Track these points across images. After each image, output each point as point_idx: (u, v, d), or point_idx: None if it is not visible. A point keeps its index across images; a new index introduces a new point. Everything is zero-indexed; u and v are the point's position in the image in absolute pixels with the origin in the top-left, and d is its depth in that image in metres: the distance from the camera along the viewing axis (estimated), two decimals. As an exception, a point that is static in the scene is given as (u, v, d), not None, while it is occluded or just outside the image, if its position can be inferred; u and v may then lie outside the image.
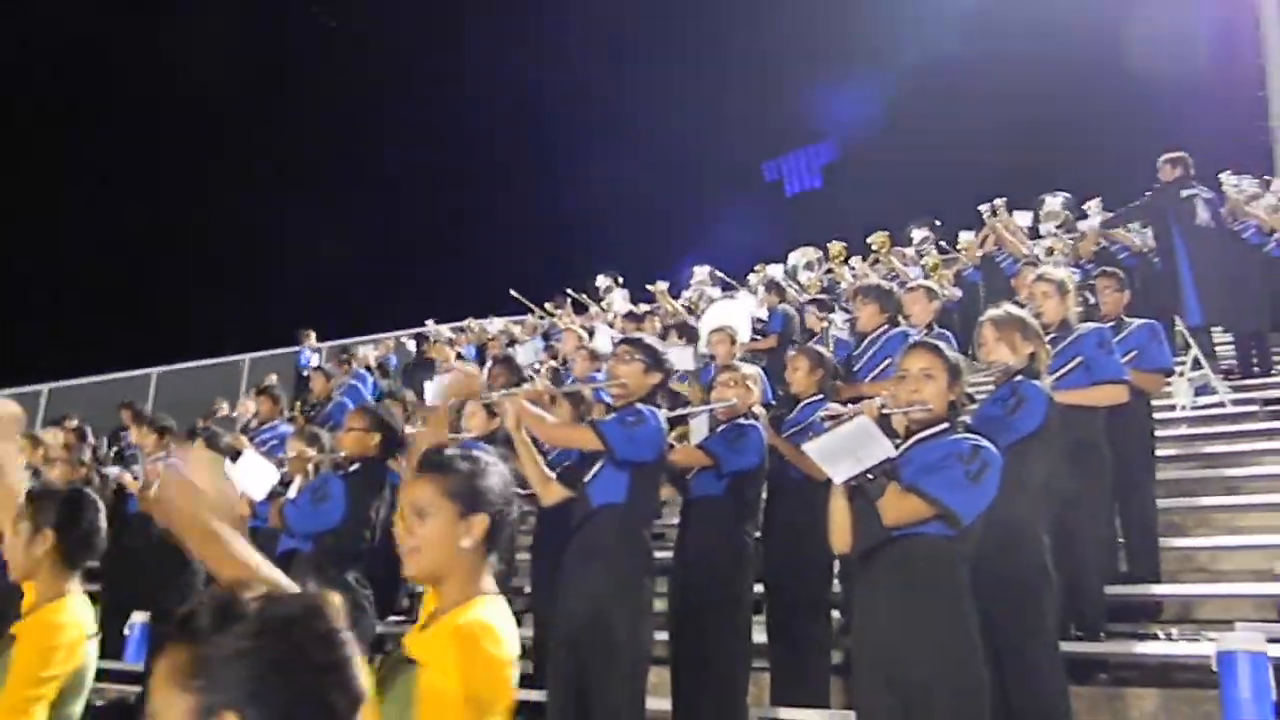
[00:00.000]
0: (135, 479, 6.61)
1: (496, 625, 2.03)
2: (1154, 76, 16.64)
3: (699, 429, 5.29)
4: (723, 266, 13.42)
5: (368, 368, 12.51)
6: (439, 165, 25.61)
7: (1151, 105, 18.15)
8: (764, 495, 5.33)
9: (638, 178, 22.39)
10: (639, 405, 4.38)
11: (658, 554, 6.04)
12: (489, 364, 10.19)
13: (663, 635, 5.02)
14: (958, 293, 10.39)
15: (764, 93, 23.30)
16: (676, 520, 5.28)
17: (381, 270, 24.28)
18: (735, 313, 9.62)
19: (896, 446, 3.45)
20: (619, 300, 13.70)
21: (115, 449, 9.75)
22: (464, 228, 25.71)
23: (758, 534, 5.11)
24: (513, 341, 12.70)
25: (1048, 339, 4.58)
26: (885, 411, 3.54)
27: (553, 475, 4.57)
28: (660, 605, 5.15)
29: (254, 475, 5.43)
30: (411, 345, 14.70)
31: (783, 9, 24.23)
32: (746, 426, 5.04)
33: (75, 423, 8.81)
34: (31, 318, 22.11)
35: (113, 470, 6.91)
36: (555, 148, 25.08)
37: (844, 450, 3.36)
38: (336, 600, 1.21)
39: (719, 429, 5.14)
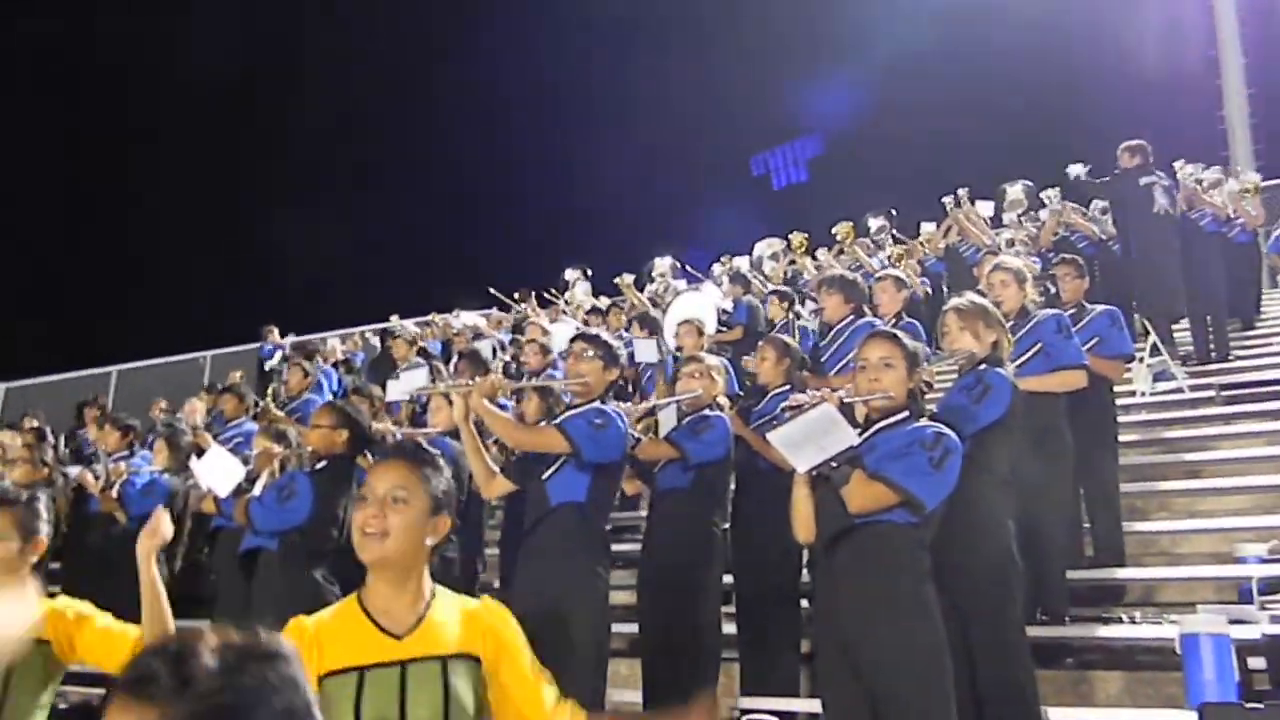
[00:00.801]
0: (96, 479, 6.53)
1: None
2: (1121, 69, 16.89)
3: (667, 421, 5.30)
4: (709, 261, 13.43)
5: (334, 364, 12.45)
6: (415, 159, 25.55)
7: (1116, 96, 18.42)
8: (732, 486, 5.37)
9: (626, 172, 22.50)
10: (602, 405, 4.40)
11: (625, 547, 6.14)
12: (454, 359, 10.23)
13: (632, 628, 5.07)
14: (925, 286, 10.47)
15: (750, 87, 23.56)
16: (645, 513, 5.30)
17: (351, 265, 24.13)
18: (701, 304, 9.69)
19: (859, 435, 3.49)
20: (582, 293, 13.72)
21: (71, 448, 9.64)
22: (435, 222, 25.63)
23: (726, 525, 5.13)
24: (478, 336, 12.67)
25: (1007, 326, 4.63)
26: (847, 400, 3.57)
27: (497, 470, 4.57)
28: (627, 598, 5.20)
29: (219, 471, 5.40)
30: (376, 341, 14.62)
31: (769, 4, 24.40)
32: (713, 417, 5.06)
33: (35, 423, 8.70)
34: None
35: (73, 470, 6.82)
36: (541, 142, 25.07)
37: (807, 439, 3.39)
38: (289, 640, 1.16)
39: (684, 420, 5.16)
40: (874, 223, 12.39)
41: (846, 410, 3.51)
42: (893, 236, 12.14)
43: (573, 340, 4.67)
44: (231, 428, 7.70)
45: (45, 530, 3.04)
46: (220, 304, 22.04)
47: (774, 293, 9.25)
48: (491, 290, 14.49)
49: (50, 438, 7.36)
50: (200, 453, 6.59)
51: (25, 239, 22.97)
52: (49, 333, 20.55)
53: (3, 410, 14.07)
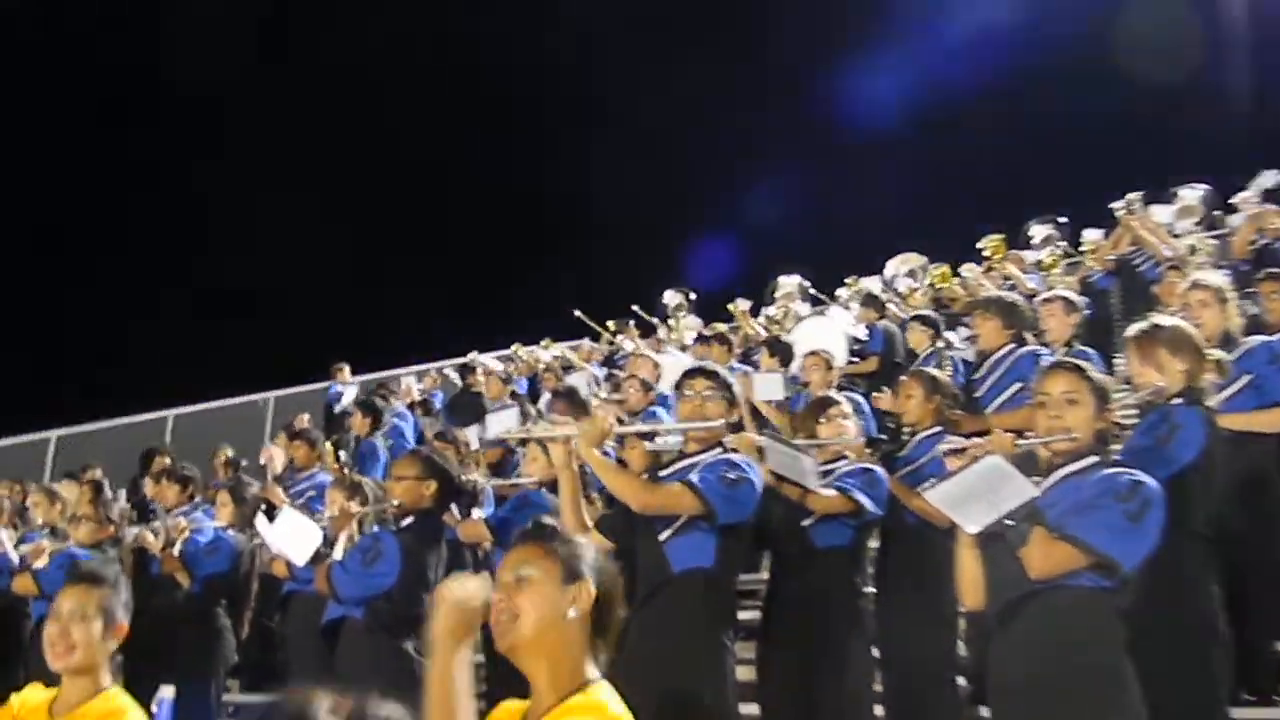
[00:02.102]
0: (156, 537, 6.72)
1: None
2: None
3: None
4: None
5: (410, 404, 12.67)
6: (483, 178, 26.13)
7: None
8: (873, 543, 5.33)
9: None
10: (733, 456, 4.36)
11: (744, 614, 6.08)
12: (546, 398, 10.32)
13: (754, 709, 4.98)
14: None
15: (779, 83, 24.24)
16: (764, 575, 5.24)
17: (418, 297, 24.66)
18: (828, 332, 9.64)
19: (1037, 485, 3.40)
20: (687, 320, 13.71)
21: (133, 501, 9.94)
22: (506, 249, 26.06)
23: (869, 588, 5.08)
24: (568, 369, 12.77)
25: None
26: (1021, 445, 3.51)
27: (590, 523, 4.52)
28: (750, 674, 5.11)
29: (293, 537, 5.48)
30: (456, 378, 14.85)
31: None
32: (876, 471, 5.02)
33: (94, 474, 8.98)
34: (34, 359, 22.70)
35: (132, 530, 7.04)
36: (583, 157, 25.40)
37: (975, 494, 3.33)
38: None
39: (846, 469, 5.06)
40: (1038, 231, 11.98)
41: (1021, 456, 3.45)
42: (1063, 250, 11.76)
43: (688, 376, 4.61)
44: (303, 479, 7.88)
45: (125, 616, 3.15)
46: (279, 339, 22.71)
47: (916, 317, 9.14)
48: (578, 314, 14.64)
49: (109, 491, 7.60)
50: (269, 508, 6.75)
51: (65, 276, 24.03)
52: (99, 376, 21.28)
53: (53, 462, 14.57)
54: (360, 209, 26.21)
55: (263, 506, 6.77)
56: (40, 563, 6.64)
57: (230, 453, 10.17)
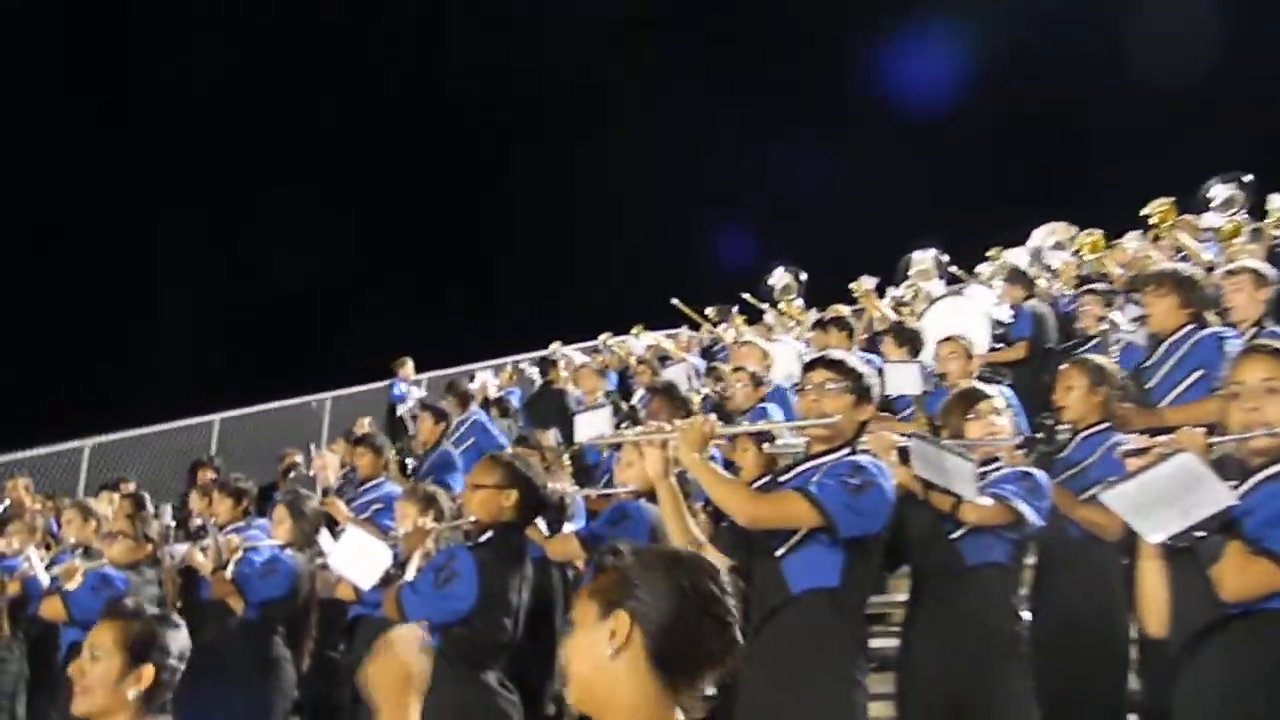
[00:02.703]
0: (206, 556, 6.79)
1: None
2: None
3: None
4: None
5: (485, 402, 12.73)
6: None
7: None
8: (1031, 559, 5.27)
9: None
10: (860, 458, 4.27)
11: (878, 643, 6.01)
12: (641, 395, 10.31)
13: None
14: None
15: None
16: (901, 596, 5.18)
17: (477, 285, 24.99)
18: (966, 315, 9.48)
19: (1235, 489, 3.30)
20: (799, 304, 13.60)
21: (179, 518, 10.09)
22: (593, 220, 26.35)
23: (1025, 612, 4.99)
24: (664, 360, 12.73)
25: None
26: (1214, 441, 3.43)
27: (704, 539, 4.43)
28: (885, 711, 5.16)
29: (360, 556, 5.51)
30: (535, 374, 14.89)
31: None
32: (1037, 476, 4.91)
33: (131, 487, 9.13)
34: (62, 361, 23.41)
35: (179, 548, 7.13)
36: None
37: (1161, 499, 3.25)
38: None
39: (1002, 473, 4.96)
40: (1220, 191, 11.46)
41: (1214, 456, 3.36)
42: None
43: (809, 367, 4.53)
44: (368, 489, 7.95)
45: (161, 660, 3.19)
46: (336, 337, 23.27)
47: (1085, 290, 8.85)
48: (675, 302, 14.59)
49: (150, 505, 7.74)
50: (331, 523, 6.80)
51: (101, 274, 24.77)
52: (135, 379, 21.86)
53: (87, 474, 14.75)
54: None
55: (325, 523, 6.83)
56: (72, 584, 6.77)
57: (299, 457, 10.29)
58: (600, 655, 2.10)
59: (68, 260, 24.90)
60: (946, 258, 12.47)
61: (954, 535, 4.77)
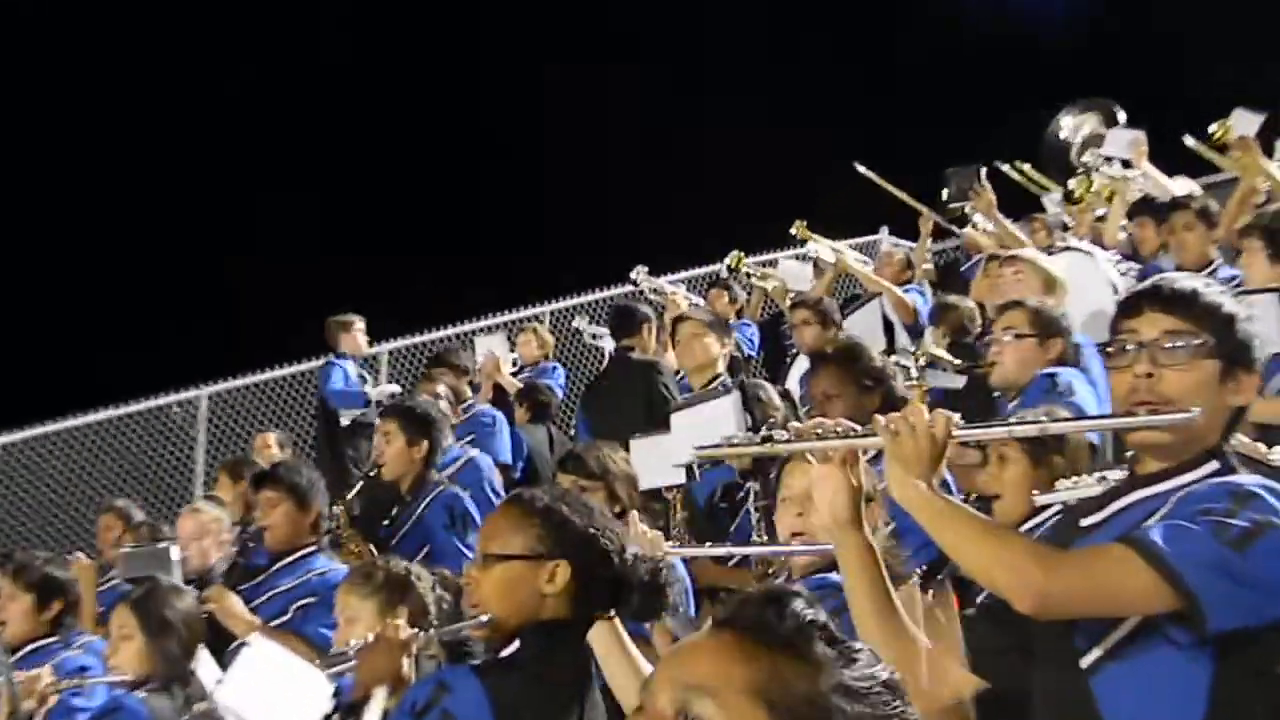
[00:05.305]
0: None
1: None
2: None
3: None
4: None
5: (495, 392, 9.15)
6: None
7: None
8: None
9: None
10: (1241, 479, 2.71)
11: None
12: (800, 369, 7.01)
13: None
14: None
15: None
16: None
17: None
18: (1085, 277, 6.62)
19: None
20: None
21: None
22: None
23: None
24: (847, 305, 8.92)
25: None
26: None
27: (922, 636, 2.86)
28: None
29: (273, 694, 3.80)
30: (597, 336, 10.52)
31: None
32: None
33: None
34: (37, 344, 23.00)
35: None
36: None
37: None
38: None
39: None
40: None
41: None
42: None
43: (1130, 307, 2.94)
44: (285, 566, 5.43)
45: None
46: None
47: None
48: (861, 167, 9.68)
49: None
50: (219, 634, 4.86)
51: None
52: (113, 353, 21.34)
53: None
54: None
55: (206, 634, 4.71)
56: None
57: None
58: None
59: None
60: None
61: None
